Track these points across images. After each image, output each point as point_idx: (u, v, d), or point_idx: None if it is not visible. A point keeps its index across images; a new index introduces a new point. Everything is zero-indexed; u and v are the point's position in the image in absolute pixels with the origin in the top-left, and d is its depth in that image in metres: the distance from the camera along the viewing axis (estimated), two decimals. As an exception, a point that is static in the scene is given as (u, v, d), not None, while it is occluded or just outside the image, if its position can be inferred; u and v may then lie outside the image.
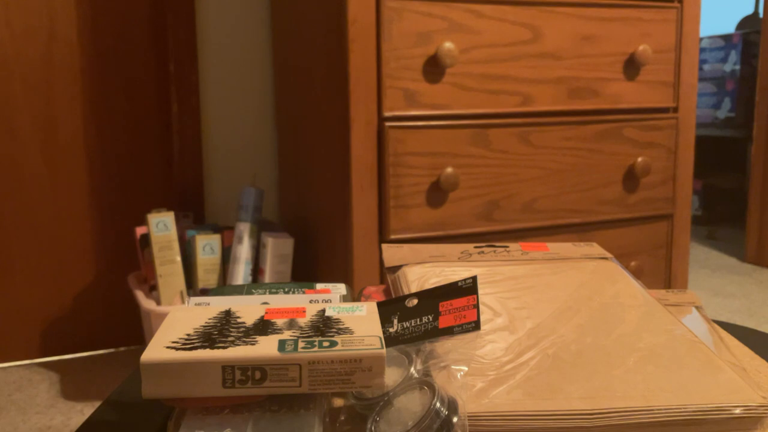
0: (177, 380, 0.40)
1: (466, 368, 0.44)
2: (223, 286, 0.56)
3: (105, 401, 0.53)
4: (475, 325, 0.49)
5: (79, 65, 1.54)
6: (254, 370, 0.40)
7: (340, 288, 0.56)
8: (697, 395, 0.43)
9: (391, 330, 0.49)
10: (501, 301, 0.55)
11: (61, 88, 1.54)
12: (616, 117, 1.34)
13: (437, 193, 1.21)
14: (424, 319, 0.49)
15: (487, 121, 1.24)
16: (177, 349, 0.41)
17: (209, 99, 1.63)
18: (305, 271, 1.45)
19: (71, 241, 1.58)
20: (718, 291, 2.05)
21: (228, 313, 0.47)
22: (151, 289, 1.39)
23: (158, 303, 1.32)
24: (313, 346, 0.41)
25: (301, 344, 0.42)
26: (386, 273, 0.62)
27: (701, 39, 2.97)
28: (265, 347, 0.41)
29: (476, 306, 0.49)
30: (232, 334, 0.43)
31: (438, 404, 0.40)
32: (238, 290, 0.55)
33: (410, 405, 0.42)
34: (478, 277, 0.50)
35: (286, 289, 0.55)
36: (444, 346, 0.47)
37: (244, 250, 1.36)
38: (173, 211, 1.47)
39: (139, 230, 1.41)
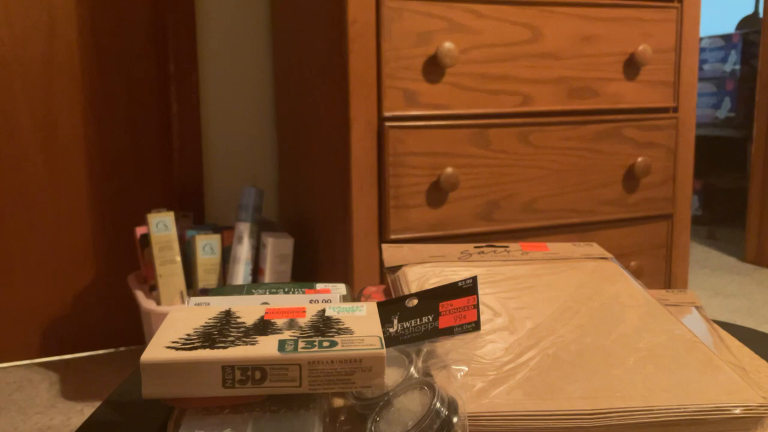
0: (177, 380, 0.40)
1: (466, 368, 0.44)
2: (223, 286, 0.56)
3: (105, 401, 0.53)
4: (475, 326, 0.49)
5: (79, 65, 1.54)
6: (254, 370, 0.40)
7: (340, 288, 0.56)
8: (697, 395, 0.43)
9: (391, 330, 0.49)
10: (501, 301, 0.55)
11: (61, 88, 1.54)
12: (616, 117, 1.34)
13: (437, 193, 1.21)
14: (424, 319, 0.49)
15: (487, 121, 1.24)
16: (177, 349, 0.41)
17: (209, 99, 1.63)
18: (305, 271, 1.45)
19: (71, 241, 1.58)
20: (718, 291, 2.05)
21: (228, 313, 0.47)
22: (151, 289, 1.39)
23: (158, 303, 1.32)
24: (313, 346, 0.41)
25: (301, 344, 0.42)
26: (386, 273, 0.62)
27: (701, 39, 2.97)
28: (265, 347, 0.41)
29: (476, 306, 0.49)
30: (232, 334, 0.43)
31: (438, 404, 0.40)
32: (238, 290, 0.55)
33: (410, 405, 0.42)
34: (478, 277, 0.50)
35: (286, 289, 0.55)
36: (444, 346, 0.47)
37: (244, 250, 1.36)
38: (173, 211, 1.47)
39: (139, 230, 1.41)
